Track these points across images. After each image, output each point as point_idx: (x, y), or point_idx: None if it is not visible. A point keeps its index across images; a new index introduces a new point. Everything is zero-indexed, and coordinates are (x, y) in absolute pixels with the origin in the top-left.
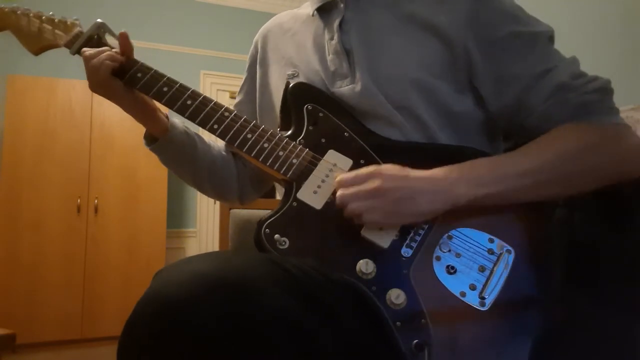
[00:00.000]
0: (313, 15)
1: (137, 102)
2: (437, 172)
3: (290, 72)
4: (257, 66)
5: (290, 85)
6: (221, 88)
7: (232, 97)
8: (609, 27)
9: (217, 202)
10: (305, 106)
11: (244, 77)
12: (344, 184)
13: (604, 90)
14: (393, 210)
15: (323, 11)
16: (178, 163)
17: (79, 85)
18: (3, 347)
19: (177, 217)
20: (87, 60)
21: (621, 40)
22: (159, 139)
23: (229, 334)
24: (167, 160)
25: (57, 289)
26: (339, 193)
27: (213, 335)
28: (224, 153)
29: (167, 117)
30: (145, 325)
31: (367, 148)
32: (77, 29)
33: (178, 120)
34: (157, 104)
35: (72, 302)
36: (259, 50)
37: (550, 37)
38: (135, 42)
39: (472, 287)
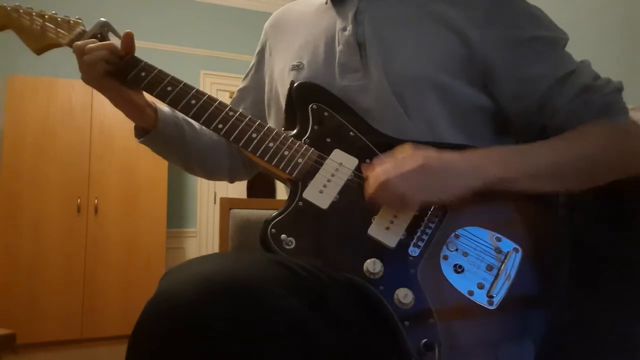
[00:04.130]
0: (326, 3)
1: (126, 97)
2: (468, 153)
3: (295, 63)
4: (264, 54)
5: (295, 85)
6: (221, 88)
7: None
8: (609, 28)
9: (217, 202)
10: (310, 106)
11: (251, 62)
12: (382, 163)
13: (620, 90)
14: (436, 188)
15: (336, 0)
16: (168, 153)
17: (79, 85)
18: (3, 347)
19: (177, 217)
20: (79, 54)
21: (621, 41)
22: (149, 131)
23: (235, 335)
24: (157, 150)
25: (57, 289)
26: (382, 178)
27: (220, 337)
28: (215, 138)
29: (155, 110)
30: (153, 327)
31: (373, 147)
32: (80, 28)
33: (168, 110)
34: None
35: (72, 302)
36: (268, 38)
37: (565, 44)
38: (135, 42)
39: (480, 286)
